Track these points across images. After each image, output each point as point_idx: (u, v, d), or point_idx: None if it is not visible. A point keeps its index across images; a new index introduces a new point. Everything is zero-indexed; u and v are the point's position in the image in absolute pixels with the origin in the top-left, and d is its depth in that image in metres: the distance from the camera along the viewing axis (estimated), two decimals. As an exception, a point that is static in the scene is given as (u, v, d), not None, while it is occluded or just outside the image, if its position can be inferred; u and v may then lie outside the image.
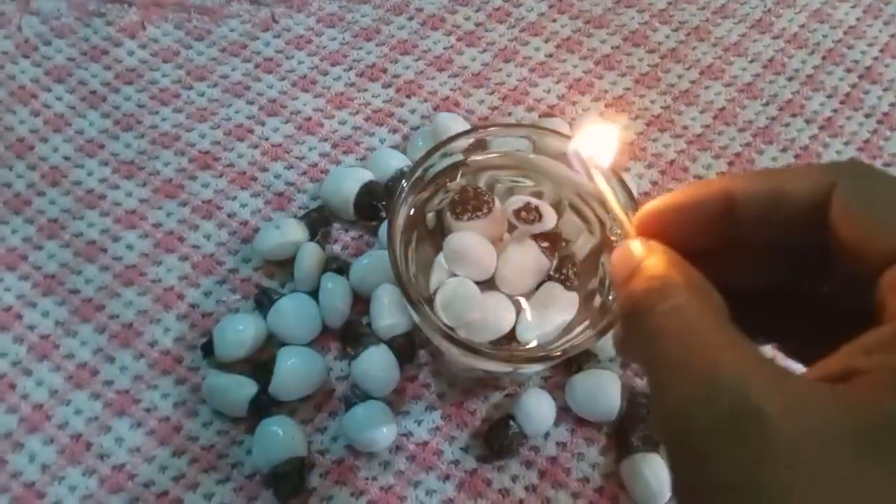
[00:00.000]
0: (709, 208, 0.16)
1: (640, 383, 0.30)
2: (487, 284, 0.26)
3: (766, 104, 0.38)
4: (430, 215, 0.27)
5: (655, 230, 0.17)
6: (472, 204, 0.25)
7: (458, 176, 0.27)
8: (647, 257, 0.16)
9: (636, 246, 0.16)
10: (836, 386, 0.13)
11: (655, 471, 0.26)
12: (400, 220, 0.25)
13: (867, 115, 0.37)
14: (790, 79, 0.38)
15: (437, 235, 0.27)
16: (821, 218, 0.15)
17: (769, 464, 0.12)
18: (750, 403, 0.12)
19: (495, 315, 0.25)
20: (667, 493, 0.26)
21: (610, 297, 0.25)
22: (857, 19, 0.41)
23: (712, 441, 0.12)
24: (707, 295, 0.15)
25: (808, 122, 0.37)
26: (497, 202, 0.26)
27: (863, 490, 0.12)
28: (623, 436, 0.28)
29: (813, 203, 0.15)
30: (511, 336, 0.26)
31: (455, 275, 0.26)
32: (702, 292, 0.15)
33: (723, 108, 0.37)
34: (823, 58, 0.39)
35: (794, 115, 0.37)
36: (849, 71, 0.39)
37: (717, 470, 0.12)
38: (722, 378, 0.13)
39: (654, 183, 0.35)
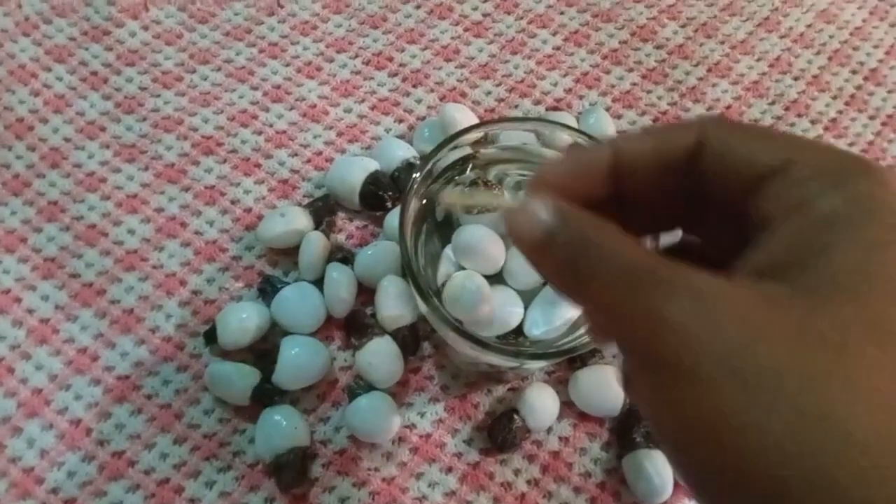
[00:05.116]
0: (600, 171, 0.17)
1: (643, 380, 0.30)
2: (495, 278, 0.26)
3: (772, 103, 0.38)
4: (439, 208, 0.27)
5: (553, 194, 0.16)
6: (481, 197, 0.25)
7: (468, 169, 0.27)
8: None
9: (539, 206, 0.15)
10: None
11: (657, 467, 0.26)
12: (411, 212, 0.25)
13: (871, 117, 0.38)
14: (796, 78, 0.38)
15: (445, 228, 0.26)
16: (697, 166, 0.16)
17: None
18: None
19: (503, 309, 0.25)
20: (669, 489, 0.26)
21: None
22: (864, 21, 0.41)
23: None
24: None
25: (812, 122, 0.37)
26: (507, 196, 0.26)
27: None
28: (625, 431, 0.28)
29: (689, 154, 0.16)
30: (518, 331, 0.26)
31: (463, 268, 0.26)
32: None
33: (729, 106, 0.37)
34: (829, 58, 0.39)
35: (799, 115, 0.37)
36: (854, 72, 0.39)
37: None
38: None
39: (660, 179, 0.35)
